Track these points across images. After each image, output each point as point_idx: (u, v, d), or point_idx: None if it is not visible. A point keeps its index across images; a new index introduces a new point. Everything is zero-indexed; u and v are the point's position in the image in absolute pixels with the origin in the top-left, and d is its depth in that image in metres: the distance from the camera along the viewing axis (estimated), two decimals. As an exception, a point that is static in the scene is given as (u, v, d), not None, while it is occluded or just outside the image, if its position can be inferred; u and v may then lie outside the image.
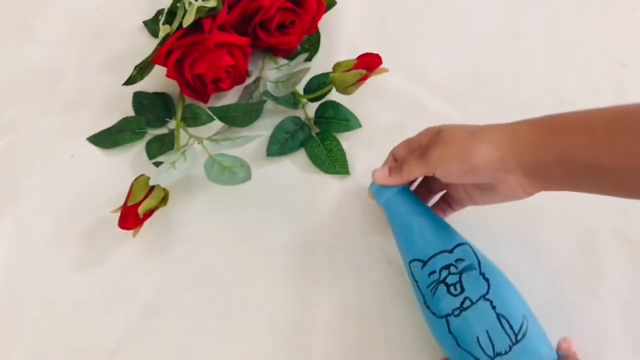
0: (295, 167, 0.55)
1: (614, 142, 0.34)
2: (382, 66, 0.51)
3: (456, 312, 0.38)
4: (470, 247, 0.41)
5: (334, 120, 0.55)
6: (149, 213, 0.48)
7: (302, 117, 0.56)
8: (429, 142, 0.42)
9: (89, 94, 0.60)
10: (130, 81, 0.54)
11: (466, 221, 0.47)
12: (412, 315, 0.45)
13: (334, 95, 0.55)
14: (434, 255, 0.41)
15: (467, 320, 0.38)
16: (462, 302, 0.38)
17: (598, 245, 0.49)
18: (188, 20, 0.51)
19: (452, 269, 0.40)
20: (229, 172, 0.48)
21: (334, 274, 0.48)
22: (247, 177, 0.48)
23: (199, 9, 0.51)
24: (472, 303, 0.38)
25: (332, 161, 0.54)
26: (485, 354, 0.37)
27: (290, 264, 0.49)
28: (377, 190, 0.45)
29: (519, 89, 0.58)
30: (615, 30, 0.63)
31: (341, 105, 0.56)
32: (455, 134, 0.40)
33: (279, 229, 0.51)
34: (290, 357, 0.45)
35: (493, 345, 0.37)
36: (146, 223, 0.48)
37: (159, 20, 0.55)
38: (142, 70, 0.55)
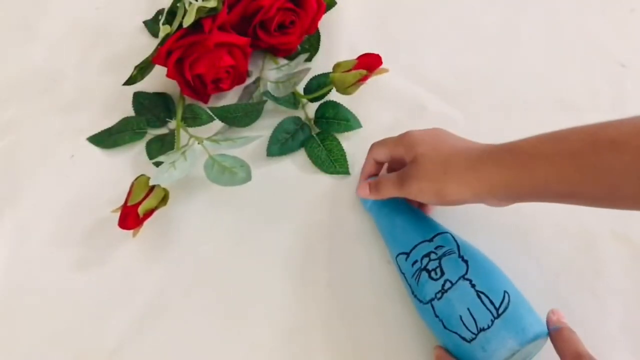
0: (295, 167, 0.55)
1: (583, 174, 0.33)
2: (382, 66, 0.51)
3: (438, 295, 0.40)
4: (451, 234, 0.43)
5: (334, 120, 0.55)
6: (149, 213, 0.48)
7: (302, 117, 0.56)
8: (406, 165, 0.42)
9: (89, 94, 0.60)
10: (130, 81, 0.55)
11: (466, 221, 0.47)
12: (411, 315, 0.45)
13: (334, 96, 0.55)
14: (415, 246, 0.43)
15: (449, 301, 0.39)
16: (443, 285, 0.40)
17: (598, 246, 0.49)
18: (188, 21, 0.51)
19: (432, 256, 0.42)
20: (229, 173, 0.48)
21: (334, 273, 0.48)
22: (247, 177, 0.48)
23: (199, 9, 0.51)
24: (452, 284, 0.39)
25: (332, 161, 0.54)
26: (469, 330, 0.37)
27: (290, 263, 0.49)
28: (362, 198, 0.48)
29: (519, 89, 0.58)
30: (615, 30, 0.63)
31: (341, 105, 0.56)
32: (431, 168, 0.40)
33: (279, 229, 0.51)
34: (290, 357, 0.45)
35: (475, 322, 0.37)
36: (146, 223, 0.48)
37: (159, 20, 0.55)
38: (142, 70, 0.55)
